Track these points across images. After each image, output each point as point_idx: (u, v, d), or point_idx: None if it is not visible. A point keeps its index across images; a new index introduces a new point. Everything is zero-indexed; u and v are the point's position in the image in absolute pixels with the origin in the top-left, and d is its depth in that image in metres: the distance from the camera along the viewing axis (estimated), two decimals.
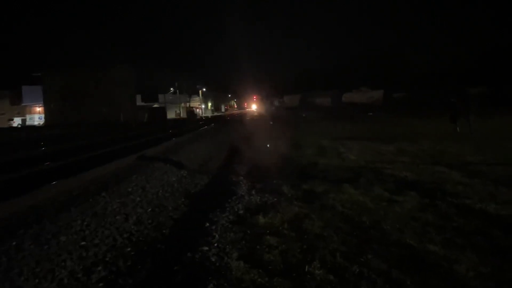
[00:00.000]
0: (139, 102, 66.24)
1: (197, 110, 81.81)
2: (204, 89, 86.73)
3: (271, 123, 30.90)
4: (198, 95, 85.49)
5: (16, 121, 59.59)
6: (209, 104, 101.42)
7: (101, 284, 3.54)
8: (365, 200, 5.58)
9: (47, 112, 54.75)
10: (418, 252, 3.71)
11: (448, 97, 15.45)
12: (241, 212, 5.51)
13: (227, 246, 4.15)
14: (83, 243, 4.49)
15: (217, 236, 4.51)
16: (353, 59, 75.88)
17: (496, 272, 3.21)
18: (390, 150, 10.54)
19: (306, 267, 3.46)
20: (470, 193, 5.62)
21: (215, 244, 4.24)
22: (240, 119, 43.18)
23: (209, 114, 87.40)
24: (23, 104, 66.05)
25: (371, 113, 34.06)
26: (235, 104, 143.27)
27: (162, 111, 65.26)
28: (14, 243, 4.41)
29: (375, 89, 56.40)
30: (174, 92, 77.72)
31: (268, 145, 14.05)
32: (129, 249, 4.35)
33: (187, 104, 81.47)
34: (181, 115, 75.76)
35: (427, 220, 4.59)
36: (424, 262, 3.49)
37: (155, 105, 71.87)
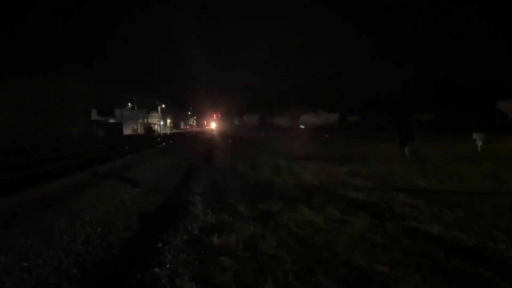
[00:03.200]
0: (94, 116, 64.02)
1: (156, 126, 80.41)
2: (163, 106, 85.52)
3: (230, 141, 30.96)
4: (157, 112, 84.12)
5: None
6: (168, 121, 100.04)
7: None
8: (318, 220, 5.69)
9: None
10: (367, 272, 3.83)
11: (397, 122, 16.26)
12: (195, 232, 5.44)
13: (179, 267, 4.08)
14: (25, 264, 4.24)
15: (169, 256, 4.42)
16: (311, 82, 78.16)
17: None
18: (344, 171, 10.86)
19: None
20: (416, 215, 5.90)
21: (167, 265, 4.15)
22: (199, 137, 42.94)
23: (167, 131, 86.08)
24: None
25: (326, 135, 35.02)
26: (194, 122, 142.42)
27: (118, 126, 63.53)
28: None
29: (331, 112, 58.26)
30: (132, 108, 76.05)
31: (226, 164, 14.03)
32: (75, 270, 4.16)
33: (145, 120, 79.88)
34: (139, 131, 74.04)
35: (376, 241, 4.75)
36: (372, 282, 3.61)
37: (111, 120, 69.81)
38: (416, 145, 14.19)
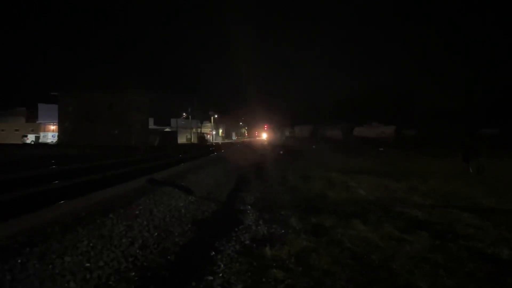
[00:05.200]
0: (151, 125, 67.01)
1: (208, 136, 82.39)
2: (216, 116, 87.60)
3: (281, 153, 30.91)
4: (210, 122, 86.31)
5: (30, 138, 60.52)
6: (220, 131, 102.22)
7: None
8: (374, 238, 5.47)
9: (60, 131, 55.62)
10: None
11: (460, 137, 15.33)
12: (247, 242, 5.45)
13: (232, 277, 4.09)
14: (87, 264, 4.45)
15: (222, 265, 4.45)
16: (366, 94, 76.26)
17: None
18: (401, 187, 10.41)
19: None
20: (482, 236, 5.49)
21: (220, 274, 4.18)
22: (250, 147, 43.34)
23: (219, 140, 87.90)
24: (38, 122, 67.35)
25: (382, 149, 33.89)
26: (246, 132, 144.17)
27: (173, 135, 65.88)
28: (19, 261, 4.40)
29: (387, 124, 56.35)
30: (187, 118, 78.62)
31: (277, 175, 14.00)
32: (133, 273, 4.31)
33: (199, 130, 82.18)
34: (192, 140, 76.29)
35: (437, 262, 4.47)
36: None
37: (167, 129, 72.61)
38: (482, 162, 13.25)
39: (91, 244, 5.13)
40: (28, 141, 59.26)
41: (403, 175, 12.97)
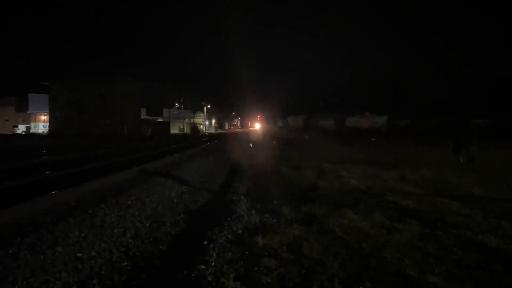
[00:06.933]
0: (143, 115, 66.51)
1: (201, 126, 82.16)
2: (208, 106, 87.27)
3: (274, 143, 30.93)
4: (203, 112, 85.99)
5: (21, 128, 59.91)
6: (213, 121, 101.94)
7: None
8: (365, 226, 5.53)
9: (52, 121, 55.15)
10: (418, 283, 3.66)
11: (451, 127, 15.42)
12: (240, 231, 5.47)
13: (225, 266, 4.11)
14: (79, 254, 4.45)
15: (214, 255, 4.47)
16: (358, 84, 76.41)
17: None
18: (392, 177, 10.50)
19: None
20: (471, 225, 5.57)
21: (213, 263, 4.20)
22: (243, 138, 43.33)
23: (212, 131, 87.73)
24: (28, 112, 66.57)
25: (374, 139, 34.06)
26: (238, 123, 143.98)
27: (166, 125, 65.55)
28: (10, 251, 4.38)
29: (379, 115, 56.54)
30: (179, 108, 78.18)
31: (269, 165, 14.02)
32: (125, 263, 4.31)
33: (191, 120, 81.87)
34: (185, 130, 76.04)
35: (427, 250, 4.54)
36: None
37: (159, 119, 72.18)
38: (473, 152, 13.36)
39: (82, 234, 5.13)
40: (19, 131, 58.66)
41: (394, 165, 13.07)
